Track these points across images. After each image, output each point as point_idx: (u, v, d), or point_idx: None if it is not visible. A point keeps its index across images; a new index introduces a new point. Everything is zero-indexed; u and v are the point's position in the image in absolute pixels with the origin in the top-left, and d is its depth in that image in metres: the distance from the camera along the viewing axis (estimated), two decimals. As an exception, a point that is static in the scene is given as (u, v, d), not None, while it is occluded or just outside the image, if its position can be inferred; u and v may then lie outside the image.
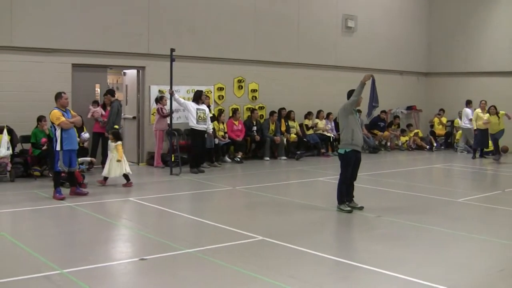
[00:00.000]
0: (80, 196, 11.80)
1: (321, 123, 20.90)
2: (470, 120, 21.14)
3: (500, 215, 11.09)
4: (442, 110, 24.31)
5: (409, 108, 25.29)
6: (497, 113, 19.72)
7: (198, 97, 16.00)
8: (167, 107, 16.23)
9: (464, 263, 7.67)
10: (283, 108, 19.89)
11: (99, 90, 17.40)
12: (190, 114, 15.68)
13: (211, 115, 17.26)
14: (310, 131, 20.64)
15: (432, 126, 24.71)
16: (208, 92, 18.07)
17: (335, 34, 22.36)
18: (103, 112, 15.88)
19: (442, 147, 24.14)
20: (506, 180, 16.22)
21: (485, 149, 20.95)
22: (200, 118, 15.67)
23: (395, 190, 13.55)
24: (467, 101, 22.00)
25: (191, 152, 16.25)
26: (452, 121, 24.34)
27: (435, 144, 23.64)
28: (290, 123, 20.09)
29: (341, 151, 10.76)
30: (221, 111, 18.36)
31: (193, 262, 7.46)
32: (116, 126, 14.85)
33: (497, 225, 10.11)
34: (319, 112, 21.01)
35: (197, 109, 15.71)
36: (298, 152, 19.47)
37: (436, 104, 24.79)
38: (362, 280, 6.96)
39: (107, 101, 15.87)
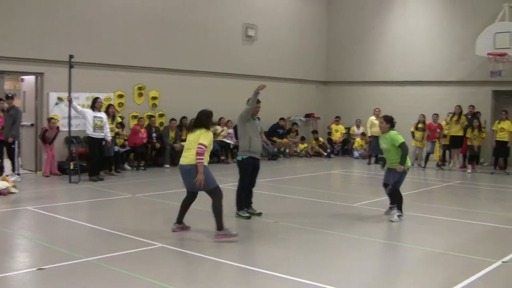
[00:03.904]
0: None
1: (222, 131, 21.07)
2: None
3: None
4: (338, 117, 24.99)
5: (308, 115, 25.86)
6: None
7: (93, 105, 15.91)
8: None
9: (360, 265, 8.02)
10: (185, 117, 19.95)
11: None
12: (87, 122, 15.51)
13: (120, 121, 17.39)
14: (210, 138, 20.73)
15: (329, 133, 25.36)
16: (108, 99, 17.94)
17: (236, 42, 22.65)
18: None
19: (338, 154, 24.84)
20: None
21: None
22: (96, 126, 15.52)
23: (293, 196, 13.86)
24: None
25: (89, 160, 16.10)
26: (349, 129, 25.05)
27: (328, 151, 24.17)
28: (192, 131, 20.11)
29: (239, 158, 10.99)
30: (121, 118, 18.23)
31: (93, 270, 7.45)
32: None
33: (390, 228, 10.55)
34: (220, 119, 21.18)
35: (94, 116, 15.55)
36: None
37: (333, 112, 25.48)
38: (262, 285, 7.16)
39: None
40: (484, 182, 17.68)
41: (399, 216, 10.59)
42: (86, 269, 7.49)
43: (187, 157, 9.16)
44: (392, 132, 10.84)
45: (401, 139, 10.75)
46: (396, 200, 10.78)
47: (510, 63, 20.75)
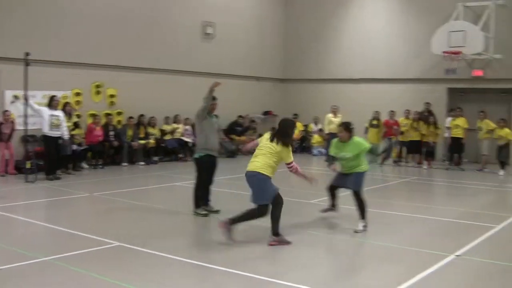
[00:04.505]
0: None
1: (180, 128, 21.01)
2: (448, 128, 20.34)
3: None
4: (296, 114, 25.11)
5: (266, 113, 25.95)
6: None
7: (50, 103, 15.73)
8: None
9: (318, 262, 8.17)
10: (142, 115, 19.87)
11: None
12: (44, 121, 15.34)
13: (76, 120, 17.37)
14: (168, 136, 20.70)
15: (288, 130, 25.37)
16: (65, 97, 17.75)
17: (194, 40, 22.60)
18: None
19: (297, 151, 24.89)
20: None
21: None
22: (53, 124, 15.36)
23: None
24: (449, 109, 21.55)
25: (46, 159, 15.91)
26: (307, 126, 25.19)
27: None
28: (150, 129, 20.06)
29: (196, 155, 11.03)
30: (78, 117, 18.09)
31: (51, 270, 7.41)
32: None
33: (347, 224, 10.63)
34: (176, 116, 21.12)
35: (51, 115, 15.39)
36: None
37: (291, 109, 25.54)
38: (221, 282, 7.24)
39: None
40: (439, 178, 18.00)
41: (364, 226, 9.95)
42: (43, 269, 7.45)
43: (251, 164, 9.24)
44: (356, 139, 10.25)
45: (367, 144, 10.44)
46: (360, 207, 10.11)
47: (464, 61, 21.13)
